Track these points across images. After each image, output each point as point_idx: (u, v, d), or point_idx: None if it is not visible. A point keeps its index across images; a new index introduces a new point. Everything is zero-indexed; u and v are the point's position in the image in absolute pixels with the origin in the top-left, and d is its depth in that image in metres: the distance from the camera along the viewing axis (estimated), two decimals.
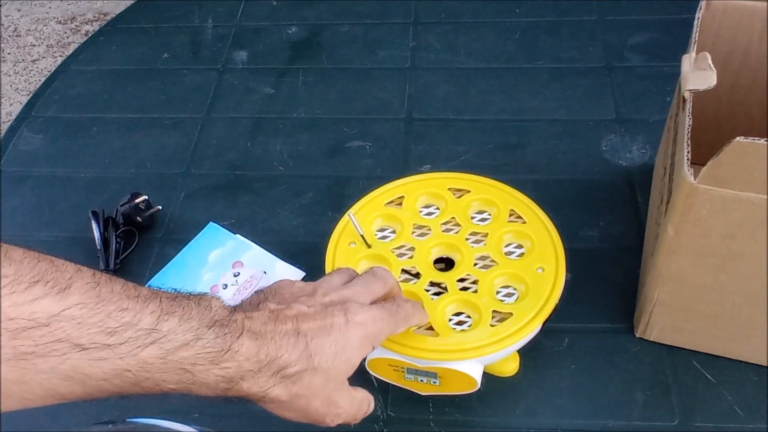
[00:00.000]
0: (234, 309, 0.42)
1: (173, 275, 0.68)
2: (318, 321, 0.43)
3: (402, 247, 0.58)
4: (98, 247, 0.68)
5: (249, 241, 0.70)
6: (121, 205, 0.71)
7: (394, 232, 0.59)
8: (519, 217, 0.59)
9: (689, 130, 0.48)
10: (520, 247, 0.57)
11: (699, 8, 0.57)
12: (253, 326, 0.41)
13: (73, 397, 0.36)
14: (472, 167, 0.72)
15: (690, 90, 0.49)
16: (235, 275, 0.67)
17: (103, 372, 0.35)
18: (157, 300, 0.38)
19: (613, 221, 0.69)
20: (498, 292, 0.54)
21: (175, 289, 0.40)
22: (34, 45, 2.23)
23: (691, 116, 0.48)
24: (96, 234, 0.69)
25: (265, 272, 0.67)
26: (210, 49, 0.95)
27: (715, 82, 0.49)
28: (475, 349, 0.50)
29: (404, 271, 0.56)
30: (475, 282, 0.54)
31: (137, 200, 0.71)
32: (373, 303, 0.47)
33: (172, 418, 0.48)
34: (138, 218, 0.71)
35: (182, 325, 0.38)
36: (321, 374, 0.42)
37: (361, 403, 0.46)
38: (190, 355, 0.38)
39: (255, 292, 0.47)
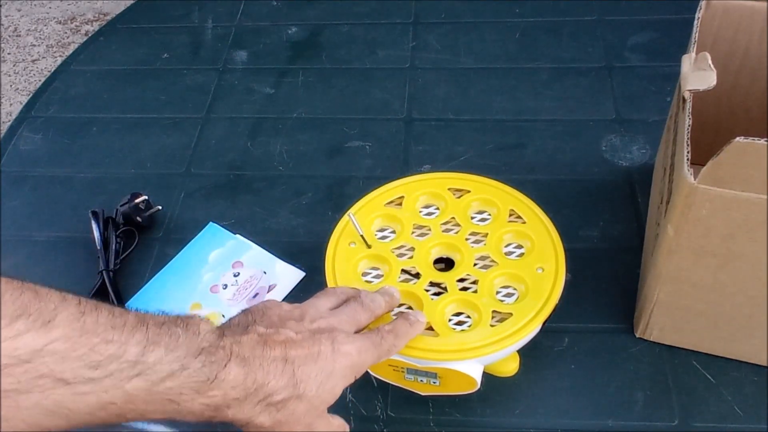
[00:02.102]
0: (222, 333, 0.41)
1: (173, 275, 0.68)
2: (305, 348, 0.43)
3: (402, 247, 0.58)
4: (98, 247, 0.68)
5: (249, 241, 0.70)
6: (121, 205, 0.71)
7: (394, 232, 0.59)
8: (519, 217, 0.59)
9: (689, 130, 0.48)
10: (520, 247, 0.57)
11: (699, 8, 0.57)
12: (242, 351, 0.41)
13: (57, 429, 0.35)
14: (472, 167, 0.72)
15: (690, 90, 0.49)
16: (235, 275, 0.67)
17: (87, 406, 0.35)
18: (144, 328, 0.37)
19: (613, 221, 0.69)
20: (498, 292, 0.54)
21: (164, 312, 0.40)
22: (34, 45, 2.23)
23: (691, 116, 0.48)
24: (96, 234, 0.69)
25: (265, 272, 0.67)
26: (210, 49, 0.95)
27: (715, 82, 0.49)
28: (475, 349, 0.50)
29: (404, 271, 0.56)
30: (475, 282, 0.54)
31: (137, 200, 0.71)
32: (357, 331, 0.47)
33: (165, 421, 0.48)
34: (138, 218, 0.71)
35: (168, 354, 0.37)
36: (305, 402, 0.42)
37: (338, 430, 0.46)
38: (175, 385, 0.37)
39: (242, 311, 0.46)
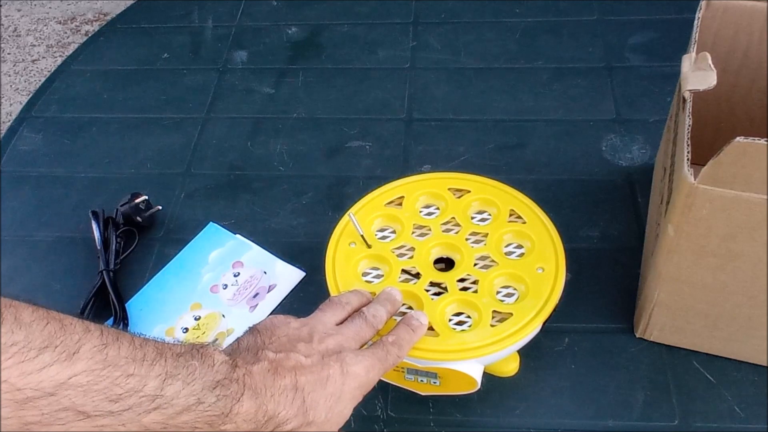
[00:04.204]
0: (235, 362, 0.41)
1: (173, 275, 0.68)
2: (315, 374, 0.43)
3: (402, 247, 0.58)
4: (98, 247, 0.68)
5: (249, 241, 0.70)
6: (121, 205, 0.71)
7: (394, 232, 0.59)
8: (519, 217, 0.59)
9: (689, 130, 0.48)
10: (520, 247, 0.57)
11: (699, 8, 0.57)
12: (254, 383, 0.41)
13: None
14: (472, 167, 0.72)
15: (690, 90, 0.49)
16: (235, 275, 0.67)
17: None
18: (162, 361, 0.38)
19: (613, 221, 0.69)
20: (498, 292, 0.54)
21: (179, 341, 0.40)
22: (34, 45, 2.23)
23: (691, 116, 0.48)
24: (96, 234, 0.69)
25: (265, 272, 0.67)
26: (210, 49, 0.95)
27: (715, 82, 0.49)
28: (475, 349, 0.50)
29: (404, 271, 0.56)
30: (475, 282, 0.54)
31: (137, 200, 0.71)
32: (361, 346, 0.48)
33: None
34: (138, 218, 0.71)
35: (185, 388, 0.38)
36: (315, 428, 0.43)
37: None
38: (190, 419, 0.38)
39: (250, 329, 0.47)
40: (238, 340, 0.46)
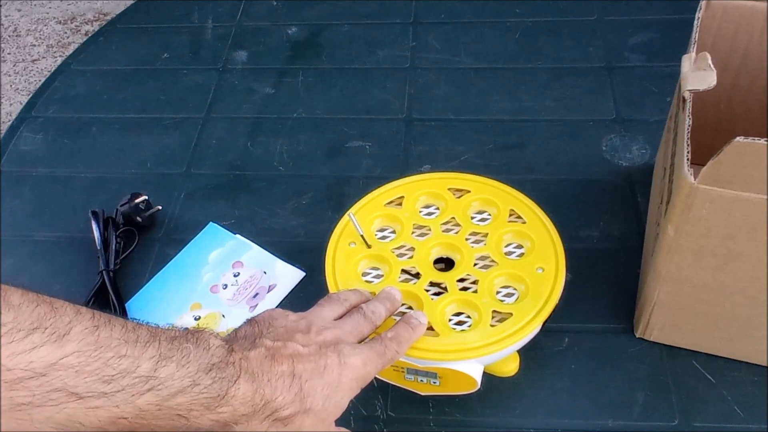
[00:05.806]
0: (231, 347, 0.41)
1: (173, 275, 0.68)
2: (312, 362, 0.43)
3: (402, 247, 0.58)
4: (98, 247, 0.68)
5: (249, 241, 0.70)
6: (121, 205, 0.71)
7: (394, 232, 0.59)
8: (519, 217, 0.59)
9: (689, 130, 0.48)
10: (520, 247, 0.57)
11: (699, 8, 0.57)
12: (251, 367, 0.41)
13: None
14: (472, 167, 0.72)
15: (690, 90, 0.49)
16: (235, 275, 0.67)
17: (98, 420, 0.35)
18: (156, 343, 0.37)
19: (613, 221, 0.69)
20: (498, 292, 0.54)
21: (172, 325, 0.40)
22: (34, 45, 2.23)
23: (691, 116, 0.48)
24: (96, 234, 0.69)
25: (265, 272, 0.68)
26: (210, 49, 0.95)
27: (715, 82, 0.49)
28: (475, 349, 0.50)
29: (404, 271, 0.56)
30: (475, 282, 0.54)
31: (137, 200, 0.71)
32: (360, 341, 0.48)
33: None
34: (138, 218, 0.71)
35: (180, 370, 0.37)
36: (312, 416, 0.43)
37: None
38: (186, 401, 0.38)
39: (248, 321, 0.47)
40: (235, 330, 0.46)
